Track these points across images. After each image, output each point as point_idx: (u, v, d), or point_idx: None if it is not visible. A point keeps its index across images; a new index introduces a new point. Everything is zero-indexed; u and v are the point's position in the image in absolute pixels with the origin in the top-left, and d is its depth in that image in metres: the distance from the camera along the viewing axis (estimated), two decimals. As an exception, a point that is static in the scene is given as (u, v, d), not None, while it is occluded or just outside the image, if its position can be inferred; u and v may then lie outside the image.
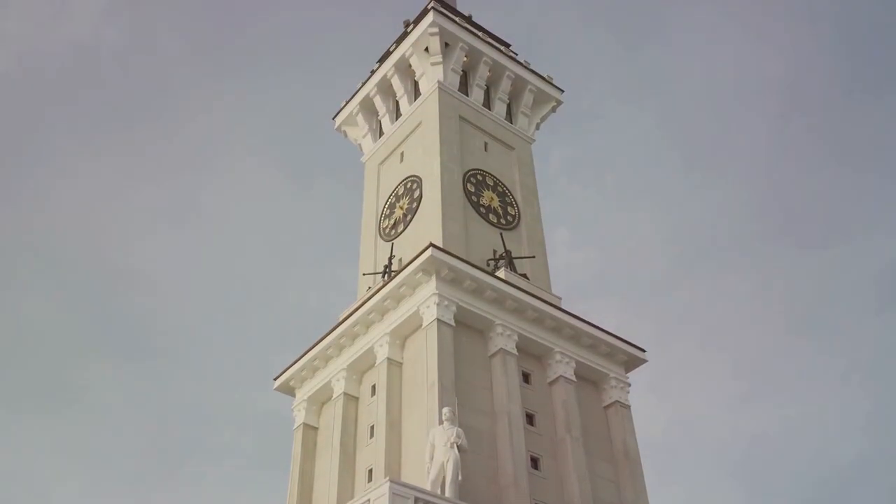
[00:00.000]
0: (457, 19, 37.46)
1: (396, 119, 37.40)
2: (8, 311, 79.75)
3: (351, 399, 28.97)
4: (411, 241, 31.44)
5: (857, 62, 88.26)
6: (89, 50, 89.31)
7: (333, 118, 40.22)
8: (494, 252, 31.39)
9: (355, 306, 29.78)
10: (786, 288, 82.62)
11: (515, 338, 27.94)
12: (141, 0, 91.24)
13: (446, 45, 36.06)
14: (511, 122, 37.63)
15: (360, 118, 38.83)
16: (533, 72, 38.89)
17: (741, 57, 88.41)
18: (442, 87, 35.23)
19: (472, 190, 33.07)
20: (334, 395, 29.49)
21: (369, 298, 28.89)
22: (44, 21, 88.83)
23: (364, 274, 33.32)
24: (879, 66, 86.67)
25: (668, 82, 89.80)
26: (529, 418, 27.15)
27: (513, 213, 33.88)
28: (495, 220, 32.92)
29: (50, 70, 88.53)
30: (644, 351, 31.19)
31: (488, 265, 30.49)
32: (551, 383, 28.59)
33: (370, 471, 26.66)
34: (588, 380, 29.91)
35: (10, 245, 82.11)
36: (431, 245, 27.26)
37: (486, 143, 35.74)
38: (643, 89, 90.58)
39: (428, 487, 22.24)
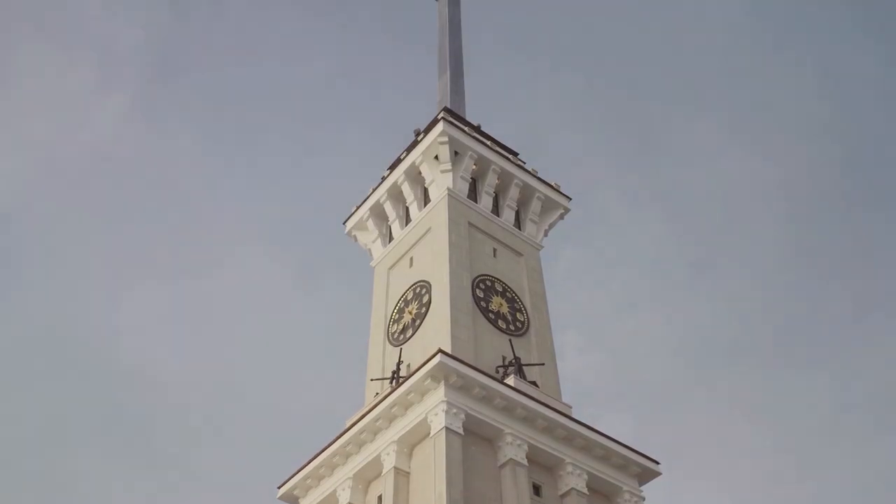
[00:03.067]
0: (466, 129, 38.30)
1: (406, 224, 37.73)
2: (7, 410, 78.82)
3: (356, 510, 28.12)
4: (420, 347, 31.16)
5: (859, 173, 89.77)
6: (106, 152, 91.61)
7: (344, 223, 40.57)
8: (503, 359, 31.05)
9: (362, 413, 29.26)
10: (798, 399, 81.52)
11: (525, 448, 27.28)
12: (158, 105, 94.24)
13: (456, 153, 36.71)
14: (520, 229, 37.91)
15: (370, 223, 39.18)
16: (541, 180, 39.42)
17: (744, 167, 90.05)
18: (451, 194, 35.68)
19: (481, 296, 33.01)
20: (339, 506, 28.64)
21: (377, 405, 28.41)
22: (65, 124, 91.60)
23: (372, 379, 32.89)
24: (881, 178, 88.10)
25: (674, 190, 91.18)
26: (540, 533, 26.26)
27: (521, 320, 33.69)
28: (504, 326, 32.70)
29: (69, 171, 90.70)
30: (658, 463, 30.40)
31: (497, 372, 30.08)
32: (563, 496, 27.73)
33: (375, 588, 25.64)
34: (600, 493, 29.01)
35: (12, 341, 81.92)
36: (440, 351, 26.99)
37: (494, 249, 35.92)
38: (650, 196, 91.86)
39: None
